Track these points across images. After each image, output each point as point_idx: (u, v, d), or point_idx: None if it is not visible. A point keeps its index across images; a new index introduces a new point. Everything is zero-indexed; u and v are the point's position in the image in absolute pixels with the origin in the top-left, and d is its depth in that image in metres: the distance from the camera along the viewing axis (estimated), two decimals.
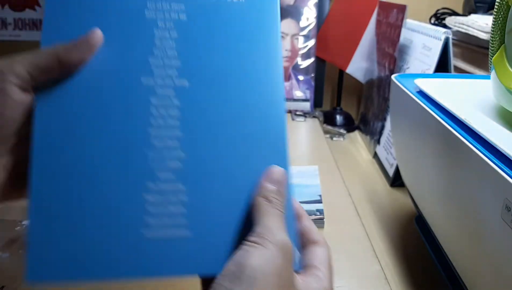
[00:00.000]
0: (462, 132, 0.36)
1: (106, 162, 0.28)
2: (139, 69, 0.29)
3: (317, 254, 0.30)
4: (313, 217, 0.61)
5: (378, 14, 0.97)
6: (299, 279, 0.28)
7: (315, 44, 1.15)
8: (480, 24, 0.74)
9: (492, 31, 0.39)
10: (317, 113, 1.14)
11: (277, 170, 0.30)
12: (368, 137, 0.98)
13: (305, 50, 1.15)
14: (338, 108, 1.15)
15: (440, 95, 0.43)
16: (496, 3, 0.38)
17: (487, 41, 0.68)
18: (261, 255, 0.25)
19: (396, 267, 0.56)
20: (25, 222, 0.57)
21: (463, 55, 0.85)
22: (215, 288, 0.24)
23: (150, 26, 0.29)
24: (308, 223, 0.31)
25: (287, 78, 1.16)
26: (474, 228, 0.35)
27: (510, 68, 0.35)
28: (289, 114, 1.13)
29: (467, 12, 0.96)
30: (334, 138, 1.03)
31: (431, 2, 1.10)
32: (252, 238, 0.26)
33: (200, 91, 0.29)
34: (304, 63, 1.15)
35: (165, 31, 0.29)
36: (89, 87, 0.28)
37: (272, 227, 0.27)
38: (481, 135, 0.34)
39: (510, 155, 0.30)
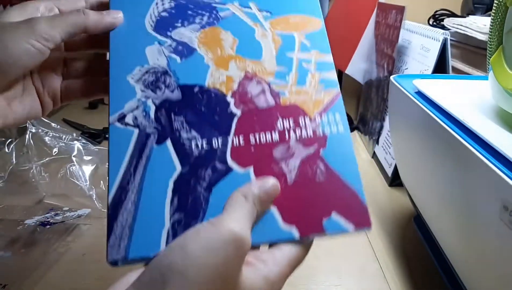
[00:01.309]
0: (460, 132, 0.36)
1: None
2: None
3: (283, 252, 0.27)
4: None
5: (377, 15, 0.98)
6: (245, 275, 0.25)
7: None
8: (478, 25, 0.75)
9: (490, 32, 0.39)
10: None
11: (272, 182, 0.28)
12: (367, 137, 0.98)
13: None
14: None
15: (438, 95, 0.44)
16: (494, 4, 0.38)
17: (485, 42, 0.69)
18: (210, 233, 0.23)
19: (394, 266, 0.56)
20: (27, 222, 0.58)
21: (462, 56, 0.86)
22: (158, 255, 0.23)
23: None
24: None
25: None
26: (472, 228, 0.35)
27: (508, 69, 0.36)
28: None
29: (465, 13, 0.96)
30: None
31: (430, 3, 1.10)
32: (209, 220, 0.24)
33: None
34: None
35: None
36: None
37: (235, 216, 0.24)
38: (479, 135, 0.34)
39: (508, 156, 0.30)
